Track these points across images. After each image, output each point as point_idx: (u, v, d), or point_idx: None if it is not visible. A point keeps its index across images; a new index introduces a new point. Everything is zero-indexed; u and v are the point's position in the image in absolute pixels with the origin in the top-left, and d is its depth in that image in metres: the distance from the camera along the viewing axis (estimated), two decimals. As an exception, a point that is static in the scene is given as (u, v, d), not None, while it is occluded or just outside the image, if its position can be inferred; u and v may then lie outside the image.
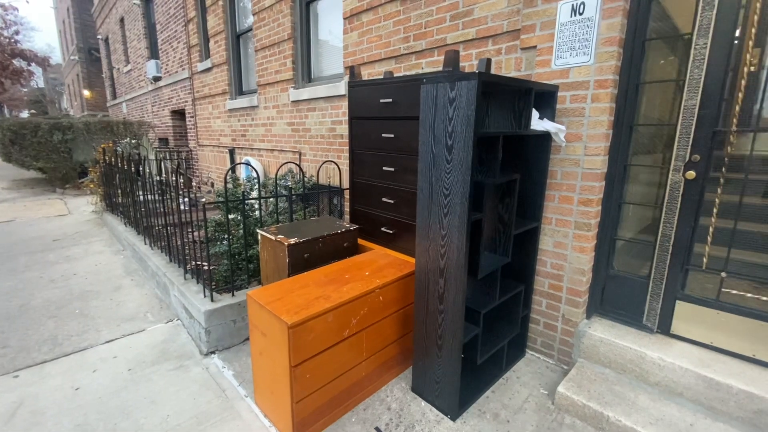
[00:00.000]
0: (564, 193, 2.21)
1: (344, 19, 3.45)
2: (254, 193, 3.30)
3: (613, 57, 1.96)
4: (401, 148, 2.30)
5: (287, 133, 4.51)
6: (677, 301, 2.14)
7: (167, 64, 7.91)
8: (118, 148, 7.97)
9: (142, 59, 9.34)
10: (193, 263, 3.19)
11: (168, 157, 7.60)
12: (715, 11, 1.86)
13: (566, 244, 2.25)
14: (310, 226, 2.47)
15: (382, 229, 2.52)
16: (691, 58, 1.94)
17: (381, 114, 2.36)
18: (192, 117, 7.11)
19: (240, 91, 5.66)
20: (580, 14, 2.03)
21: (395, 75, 2.95)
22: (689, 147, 1.99)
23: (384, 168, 2.41)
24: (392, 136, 2.31)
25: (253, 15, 4.75)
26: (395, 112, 2.26)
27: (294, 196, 2.93)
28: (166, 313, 2.97)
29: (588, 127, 2.08)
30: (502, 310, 2.24)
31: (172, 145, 8.39)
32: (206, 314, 2.34)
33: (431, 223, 1.79)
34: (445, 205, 1.71)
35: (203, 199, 6.64)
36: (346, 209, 3.64)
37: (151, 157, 7.23)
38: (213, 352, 2.42)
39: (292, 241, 2.17)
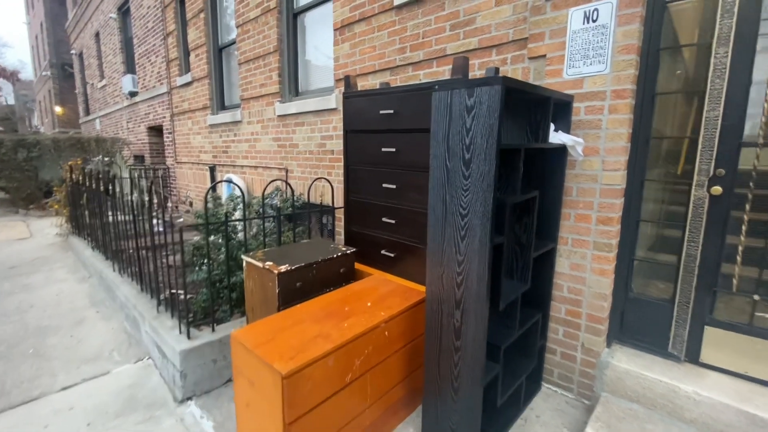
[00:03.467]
0: (581, 211, 2.04)
1: (335, 30, 3.29)
2: (237, 214, 3.03)
3: (631, 65, 1.83)
4: (404, 163, 2.09)
5: (273, 149, 4.27)
6: (706, 327, 1.97)
7: (144, 79, 7.60)
8: (89, 166, 7.53)
9: (117, 74, 8.98)
10: (169, 291, 2.87)
11: (143, 175, 7.21)
12: (735, 19, 1.76)
13: (584, 266, 2.07)
14: (301, 251, 2.21)
15: (382, 252, 2.29)
16: (711, 68, 1.83)
17: (381, 126, 2.16)
18: (170, 133, 6.79)
19: (222, 106, 5.41)
20: (594, 21, 1.91)
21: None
22: (713, 161, 1.86)
23: (384, 185, 2.20)
24: (393, 150, 2.11)
25: (237, 27, 4.56)
26: (397, 124, 2.07)
27: (282, 217, 2.68)
28: (136, 350, 2.62)
29: (606, 140, 1.93)
30: (519, 341, 2.02)
31: (148, 162, 7.99)
32: (182, 355, 2.03)
33: (445, 247, 1.57)
34: (462, 227, 1.50)
35: (180, 219, 6.26)
36: (339, 229, 3.39)
37: (125, 175, 6.84)
38: (190, 398, 2.10)
39: (283, 268, 1.91)
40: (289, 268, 1.92)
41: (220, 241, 2.88)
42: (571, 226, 2.08)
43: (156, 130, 7.71)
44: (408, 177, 2.09)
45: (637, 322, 2.15)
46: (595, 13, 1.90)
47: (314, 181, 2.85)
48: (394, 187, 2.16)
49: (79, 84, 13.52)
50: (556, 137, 1.86)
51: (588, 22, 1.93)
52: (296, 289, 1.96)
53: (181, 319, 2.22)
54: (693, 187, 1.93)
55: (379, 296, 1.94)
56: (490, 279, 1.47)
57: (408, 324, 1.86)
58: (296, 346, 1.46)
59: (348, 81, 2.30)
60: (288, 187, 2.68)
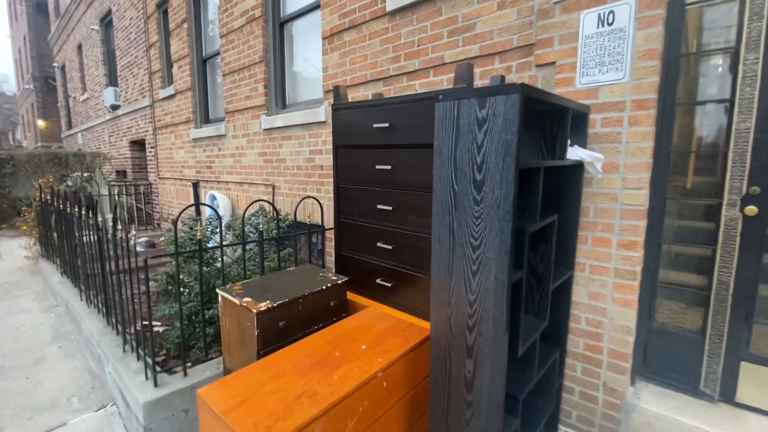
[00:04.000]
0: (599, 234, 1.83)
1: (323, 38, 3.09)
2: (216, 237, 2.76)
3: (653, 73, 1.65)
4: (401, 183, 1.86)
5: (259, 164, 4.02)
6: (742, 362, 1.76)
7: (126, 92, 7.33)
8: (68, 183, 7.17)
9: (99, 87, 8.69)
10: (140, 324, 2.57)
11: (124, 192, 6.88)
12: (765, 21, 1.60)
13: (605, 296, 1.84)
14: (285, 281, 1.96)
15: (378, 281, 2.04)
16: (740, 75, 1.65)
17: (374, 141, 1.93)
18: (152, 147, 6.50)
19: (206, 119, 5.16)
20: (609, 24, 1.73)
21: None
22: (745, 178, 1.67)
23: (379, 206, 1.96)
24: (389, 167, 1.88)
25: (221, 37, 4.35)
26: (393, 138, 1.84)
27: (266, 241, 2.42)
28: (99, 395, 2.31)
29: (626, 155, 1.73)
30: (537, 384, 1.77)
31: (130, 177, 7.66)
32: (146, 408, 1.74)
33: (453, 284, 1.33)
34: (473, 261, 1.26)
35: (162, 238, 5.94)
36: (329, 250, 3.14)
37: (104, 191, 6.51)
38: (155, 458, 1.80)
39: (263, 306, 1.65)
40: (270, 306, 1.66)
41: (205, 268, 2.60)
42: (589, 250, 1.86)
43: (138, 145, 7.41)
44: (406, 198, 1.86)
45: (663, 357, 1.93)
46: (611, 15, 1.72)
47: (302, 199, 2.61)
48: (390, 208, 1.92)
49: (61, 97, 13.16)
50: (572, 153, 1.65)
51: (603, 26, 1.74)
52: (279, 330, 1.70)
53: (147, 365, 1.93)
54: (724, 206, 1.73)
55: (376, 336, 1.68)
56: (509, 322, 1.24)
57: (410, 368, 1.60)
58: (275, 410, 1.19)
59: (337, 91, 2.08)
60: (273, 207, 2.43)
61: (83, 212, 2.68)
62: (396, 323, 1.81)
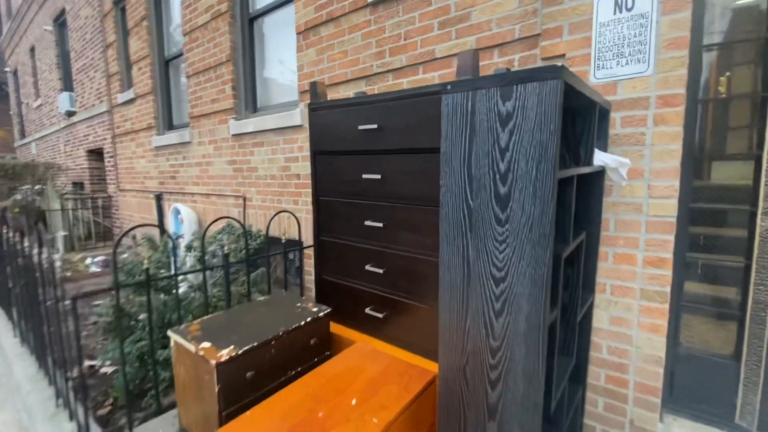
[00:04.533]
0: (621, 250, 1.59)
1: (298, 34, 2.79)
2: (180, 259, 2.37)
3: (681, 64, 1.43)
4: (393, 195, 1.57)
5: (228, 173, 3.64)
6: (785, 393, 1.55)
7: (83, 97, 6.75)
8: (17, 196, 6.50)
9: (54, 92, 8.02)
10: (86, 366, 2.17)
11: (80, 206, 6.29)
12: (804, 6, 1.41)
13: (630, 321, 1.60)
14: (255, 316, 1.62)
15: (367, 310, 1.73)
16: (775, 67, 1.46)
17: (360, 146, 1.63)
18: (111, 157, 5.96)
19: (169, 125, 4.73)
20: (628, 10, 1.50)
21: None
22: (784, 183, 1.48)
23: (367, 223, 1.66)
24: (378, 177, 1.59)
25: (185, 35, 3.96)
26: (382, 142, 1.55)
27: (233, 265, 2.07)
28: (25, 460, 1.88)
29: (652, 159, 1.51)
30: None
31: (88, 190, 7.04)
32: (74, 489, 1.35)
33: (468, 326, 1.04)
34: (496, 297, 0.98)
35: (124, 255, 5.41)
36: (308, 268, 2.80)
37: (57, 206, 5.92)
38: None
39: (225, 354, 1.31)
40: (234, 354, 1.32)
41: (162, 296, 2.22)
42: (610, 269, 1.62)
43: (96, 154, 6.82)
44: (399, 213, 1.56)
45: (692, 385, 1.70)
46: (630, 0, 1.50)
47: (276, 214, 2.27)
48: (380, 225, 1.62)
49: (14, 104, 12.22)
50: (595, 157, 1.41)
51: (620, 12, 1.52)
52: (246, 382, 1.36)
53: (80, 427, 1.54)
54: (759, 216, 1.53)
55: (368, 383, 1.37)
56: (543, 378, 0.95)
57: (412, 424, 1.30)
58: None
59: (315, 88, 1.78)
60: (241, 225, 2.07)
61: (8, 234, 2.25)
62: (391, 364, 1.50)
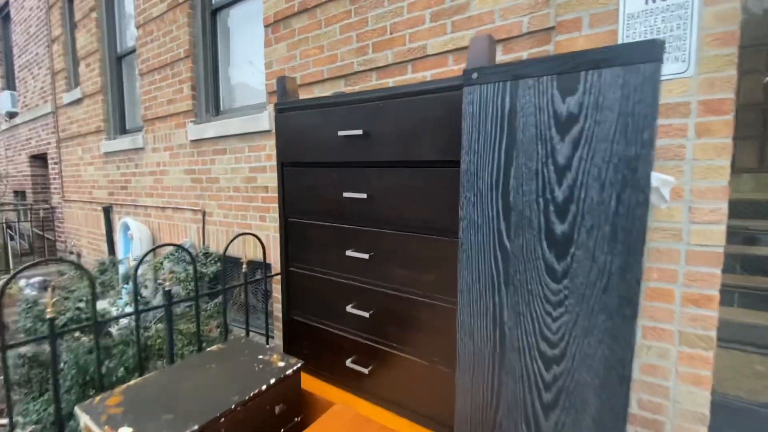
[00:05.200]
0: (655, 284, 1.33)
1: (266, 26, 2.44)
2: (124, 299, 1.94)
3: (729, 63, 1.19)
4: (383, 219, 1.24)
5: (185, 184, 3.20)
6: (842, 452, 1.32)
7: (26, 96, 6.07)
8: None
9: (-6, 91, 7.22)
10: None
11: (19, 217, 5.59)
12: None
13: (667, 370, 1.33)
14: (202, 379, 1.23)
15: (348, 362, 1.38)
16: (828, 71, 1.25)
17: (341, 157, 1.30)
18: (56, 163, 5.33)
19: (122, 129, 4.22)
20: (664, -1, 1.26)
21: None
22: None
23: (349, 253, 1.32)
24: (365, 196, 1.25)
25: (138, 28, 3.51)
26: (369, 153, 1.22)
27: (179, 303, 1.67)
28: None
29: (693, 176, 1.25)
30: None
31: (30, 199, 6.31)
32: None
33: (500, 420, 0.72)
34: (546, 385, 0.67)
35: (65, 275, 4.79)
36: (277, 294, 2.42)
37: (-12, 218, 5.21)
38: None
39: (151, 449, 0.92)
40: (164, 447, 0.93)
41: (85, 340, 1.79)
42: (641, 306, 1.35)
43: (40, 160, 6.12)
44: (391, 242, 1.23)
45: (730, 441, 1.45)
46: (665, -14, 1.26)
47: (235, 237, 1.88)
48: (365, 257, 1.29)
49: (-49, 103, 11.06)
50: (635, 174, 1.13)
51: (653, 1, 1.27)
52: (182, 484, 0.97)
53: None
54: (810, 243, 1.30)
55: (351, 474, 1.01)
56: (620, 506, 0.64)
57: None
58: None
59: (282, 85, 1.43)
60: (189, 252, 1.67)
61: None
62: (380, 438, 1.15)
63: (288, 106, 1.42)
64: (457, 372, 0.79)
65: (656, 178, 1.14)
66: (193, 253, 3.00)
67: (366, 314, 1.30)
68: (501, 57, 1.62)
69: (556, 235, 0.64)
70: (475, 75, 0.69)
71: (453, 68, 1.73)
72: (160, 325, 2.11)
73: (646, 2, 1.28)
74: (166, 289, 1.49)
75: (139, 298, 1.66)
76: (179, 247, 1.59)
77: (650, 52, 0.55)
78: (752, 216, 1.54)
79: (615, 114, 0.58)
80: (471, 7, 1.66)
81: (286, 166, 1.48)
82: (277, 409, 1.23)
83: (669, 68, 1.27)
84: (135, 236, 3.42)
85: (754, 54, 1.48)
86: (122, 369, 1.59)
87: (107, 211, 4.24)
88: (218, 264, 2.40)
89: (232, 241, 1.77)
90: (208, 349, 1.44)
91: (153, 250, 1.54)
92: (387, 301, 1.27)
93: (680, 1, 1.24)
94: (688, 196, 1.26)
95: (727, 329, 1.47)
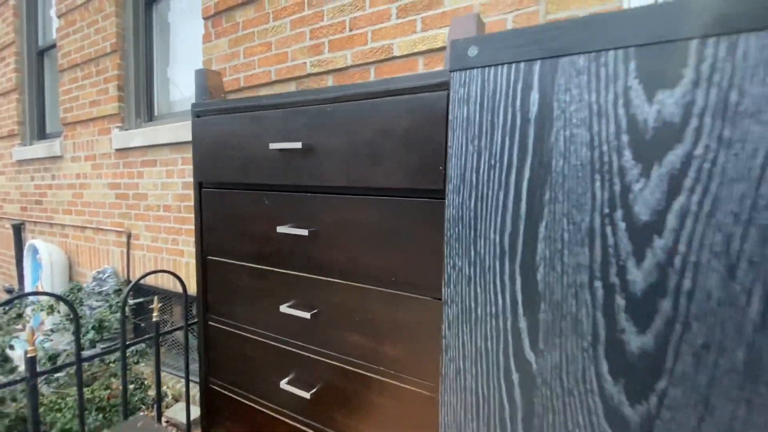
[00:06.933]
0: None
1: (205, 18, 2.08)
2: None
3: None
4: (329, 265, 0.91)
5: (109, 200, 2.71)
6: None
7: (-68, 93, 5.22)
8: None
9: None
10: None
11: None
12: None
13: None
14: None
15: (282, 457, 1.01)
16: None
17: (274, 179, 0.96)
18: (-37, 171, 4.56)
19: (41, 134, 3.63)
20: (677, -4, 1.04)
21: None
22: None
23: (284, 309, 0.97)
24: (305, 233, 0.92)
25: (59, 17, 3.02)
26: (313, 173, 0.90)
27: (64, 368, 1.24)
28: None
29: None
30: None
31: (-67, 212, 5.38)
32: None
33: None
34: None
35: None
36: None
37: None
38: None
39: None
40: None
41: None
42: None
43: (-53, 166, 5.26)
44: (341, 296, 0.90)
45: None
46: (678, -18, 1.04)
47: (144, 276, 1.45)
48: (307, 315, 0.94)
49: None
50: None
51: (664, -2, 1.05)
52: None
53: None
54: None
55: None
56: None
57: None
58: None
59: (202, 79, 1.08)
60: (66, 303, 1.24)
61: None
62: None
63: (206, 109, 1.06)
64: None
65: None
66: (114, 282, 2.51)
67: (307, 395, 0.95)
68: (480, 61, 1.36)
69: (628, 354, 0.33)
70: (473, 50, 0.39)
71: (424, 71, 1.45)
72: (57, 386, 1.65)
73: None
74: (29, 356, 1.06)
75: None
76: (60, 299, 1.16)
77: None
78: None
79: (763, 127, 0.29)
80: (445, 2, 1.39)
81: (204, 188, 1.11)
82: None
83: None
84: (44, 260, 2.86)
85: None
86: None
87: (18, 229, 3.60)
88: (129, 303, 1.94)
89: (142, 277, 1.36)
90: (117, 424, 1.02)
91: (20, 312, 1.10)
92: (335, 377, 0.92)
93: (696, 0, 1.03)
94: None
95: None
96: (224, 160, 1.07)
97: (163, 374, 1.53)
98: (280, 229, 0.94)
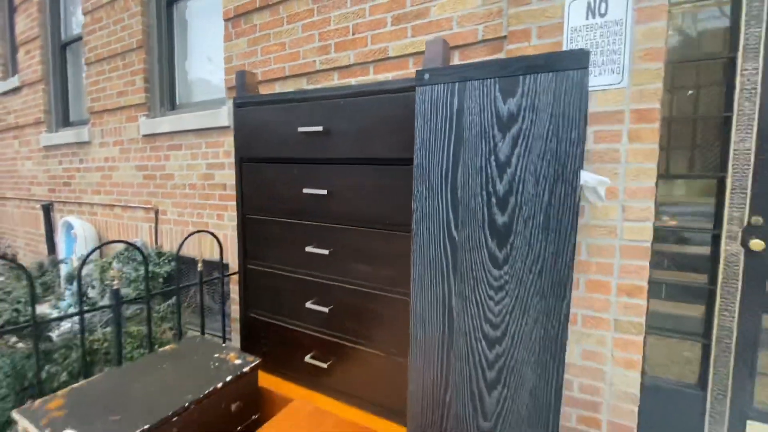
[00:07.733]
0: (593, 277, 1.45)
1: (226, 20, 2.38)
2: (68, 297, 1.81)
3: (657, 77, 1.32)
4: (343, 215, 1.26)
5: (137, 181, 3.05)
6: (749, 422, 1.50)
7: (-49, 82, 5.48)
8: None
9: None
10: None
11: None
12: (765, 26, 1.39)
13: (603, 356, 1.45)
14: (154, 378, 1.19)
15: (307, 358, 1.38)
16: (737, 88, 1.43)
17: (301, 154, 1.31)
18: (-12, 157, 4.87)
19: (65, 122, 3.94)
20: (602, 16, 1.38)
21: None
22: (746, 206, 1.44)
23: (308, 249, 1.33)
24: (324, 192, 1.27)
25: (85, 14, 3.31)
26: (330, 150, 1.24)
27: (129, 303, 1.60)
28: None
29: (627, 178, 1.38)
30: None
31: (-45, 196, 5.70)
32: None
33: (449, 399, 0.77)
34: (489, 364, 0.72)
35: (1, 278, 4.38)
36: (235, 295, 2.36)
37: None
38: None
39: (95, 451, 0.89)
40: (109, 448, 0.90)
41: (20, 345, 1.66)
42: (581, 297, 1.47)
43: (-32, 153, 5.56)
44: (351, 238, 1.26)
45: (657, 417, 1.60)
46: (603, 5, 1.38)
47: (189, 235, 1.82)
48: (325, 252, 1.30)
49: None
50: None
51: (593, 17, 1.39)
52: (129, 487, 0.94)
53: None
54: (723, 239, 1.48)
55: (308, 466, 1.03)
56: (554, 472, 0.70)
57: None
58: None
59: (242, 79, 1.42)
60: (137, 249, 1.60)
61: None
62: (339, 427, 1.17)
63: (247, 101, 1.41)
64: (410, 357, 0.83)
65: (593, 178, 1.25)
66: (145, 252, 2.86)
67: (325, 310, 1.32)
68: (457, 62, 1.69)
69: (497, 226, 0.69)
70: (426, 76, 0.74)
71: (413, 71, 1.78)
72: (108, 329, 2.01)
73: (587, 18, 1.40)
74: (114, 288, 1.42)
75: (84, 299, 1.57)
76: (130, 245, 1.52)
77: (578, 60, 0.62)
78: (681, 215, 1.70)
79: (548, 115, 0.64)
80: (431, 13, 1.72)
81: (244, 162, 1.46)
82: (233, 406, 1.21)
83: (606, 79, 1.39)
84: (79, 234, 3.21)
85: (686, 70, 1.64)
86: (65, 374, 1.49)
87: (47, 209, 3.93)
88: (172, 264, 2.30)
89: (187, 237, 1.72)
90: (161, 349, 1.39)
91: (101, 246, 1.46)
92: (346, 296, 1.29)
93: (616, 18, 1.36)
94: (622, 195, 1.39)
95: (656, 319, 1.62)
96: (260, 140, 1.41)
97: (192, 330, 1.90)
98: (306, 190, 1.30)
